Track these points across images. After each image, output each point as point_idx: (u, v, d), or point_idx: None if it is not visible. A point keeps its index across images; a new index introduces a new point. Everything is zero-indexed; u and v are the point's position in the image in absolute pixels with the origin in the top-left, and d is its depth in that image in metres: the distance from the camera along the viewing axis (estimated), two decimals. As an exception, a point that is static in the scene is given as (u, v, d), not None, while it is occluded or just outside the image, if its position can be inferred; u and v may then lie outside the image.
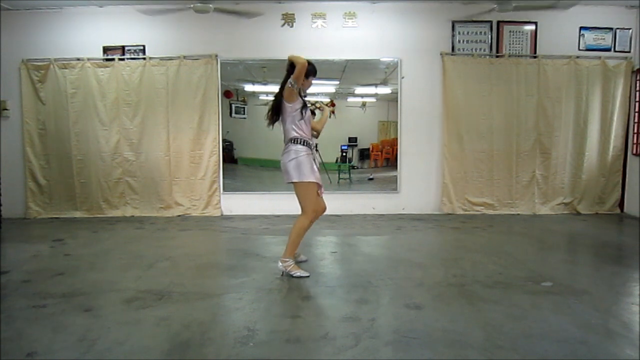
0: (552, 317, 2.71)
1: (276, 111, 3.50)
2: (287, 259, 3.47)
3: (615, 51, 6.17)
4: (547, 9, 5.85)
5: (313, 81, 3.63)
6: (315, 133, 3.72)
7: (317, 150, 6.42)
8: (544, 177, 6.21)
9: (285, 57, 6.40)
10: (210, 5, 5.51)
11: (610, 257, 4.28)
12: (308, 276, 3.45)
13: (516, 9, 5.72)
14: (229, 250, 4.54)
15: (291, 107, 3.44)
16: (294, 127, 3.45)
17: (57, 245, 4.64)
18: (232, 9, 5.66)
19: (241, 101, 6.22)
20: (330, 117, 3.66)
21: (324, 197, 3.63)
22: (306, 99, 3.64)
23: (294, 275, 3.45)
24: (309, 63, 3.46)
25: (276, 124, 3.59)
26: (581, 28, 6.13)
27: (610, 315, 2.79)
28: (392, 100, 6.19)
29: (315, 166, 3.49)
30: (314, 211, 3.47)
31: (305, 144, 3.45)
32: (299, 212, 3.52)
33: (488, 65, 6.06)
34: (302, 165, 3.39)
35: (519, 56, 6.09)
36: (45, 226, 5.63)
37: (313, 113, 3.79)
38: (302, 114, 3.46)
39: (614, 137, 6.23)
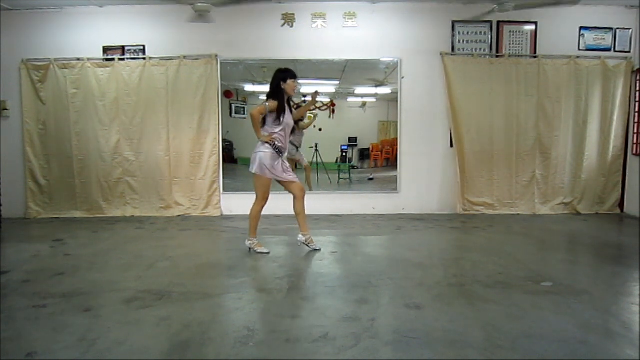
0: (552, 317, 2.71)
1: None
2: (252, 239, 4.23)
3: (615, 51, 6.17)
4: (548, 6, 5.84)
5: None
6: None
7: (317, 149, 6.44)
8: (544, 177, 6.21)
9: (285, 57, 6.44)
10: (210, 5, 5.51)
11: (610, 257, 4.28)
12: (268, 253, 4.17)
13: (516, 9, 5.72)
14: (229, 250, 4.53)
15: (270, 115, 4.03)
16: (267, 128, 4.05)
17: (57, 245, 4.64)
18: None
19: (241, 101, 6.22)
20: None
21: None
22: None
23: (257, 251, 4.18)
24: (282, 70, 4.07)
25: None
26: (581, 28, 6.13)
27: (610, 315, 2.79)
28: (392, 100, 6.19)
29: (276, 164, 4.06)
30: (263, 199, 4.16)
31: (272, 145, 4.02)
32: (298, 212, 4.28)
33: (488, 65, 6.06)
34: (258, 160, 4.02)
35: (519, 56, 6.09)
36: (45, 226, 5.63)
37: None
38: (279, 120, 4.02)
39: (614, 137, 6.23)
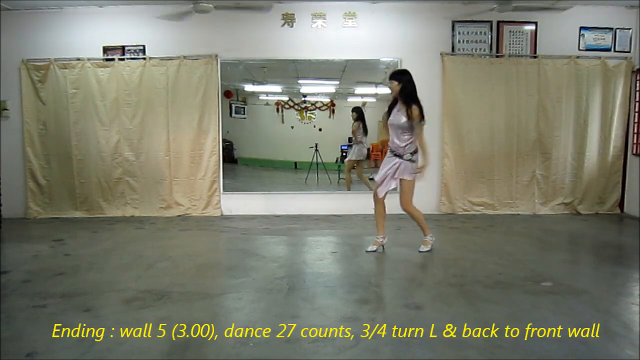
0: (552, 317, 2.71)
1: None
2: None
3: (615, 51, 6.17)
4: (547, 9, 5.85)
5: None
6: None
7: (317, 149, 6.46)
8: (544, 177, 6.20)
9: (285, 57, 6.44)
10: (211, 5, 5.50)
11: (610, 257, 4.28)
12: (429, 250, 4.20)
13: (516, 9, 5.72)
14: (229, 250, 4.54)
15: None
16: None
17: (57, 245, 4.64)
18: (235, 4, 5.58)
19: (241, 101, 6.22)
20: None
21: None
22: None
23: (421, 250, 4.20)
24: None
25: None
26: (581, 28, 6.13)
27: (610, 315, 2.78)
28: (392, 100, 6.18)
29: (385, 168, 4.10)
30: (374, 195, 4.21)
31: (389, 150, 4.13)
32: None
33: (488, 65, 6.06)
34: None
35: (519, 56, 6.08)
36: (45, 226, 5.63)
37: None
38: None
39: (614, 137, 6.22)
